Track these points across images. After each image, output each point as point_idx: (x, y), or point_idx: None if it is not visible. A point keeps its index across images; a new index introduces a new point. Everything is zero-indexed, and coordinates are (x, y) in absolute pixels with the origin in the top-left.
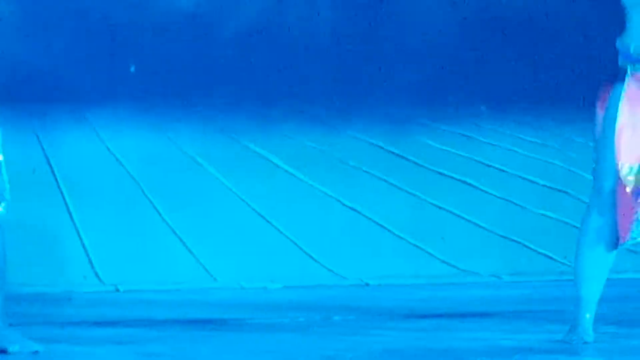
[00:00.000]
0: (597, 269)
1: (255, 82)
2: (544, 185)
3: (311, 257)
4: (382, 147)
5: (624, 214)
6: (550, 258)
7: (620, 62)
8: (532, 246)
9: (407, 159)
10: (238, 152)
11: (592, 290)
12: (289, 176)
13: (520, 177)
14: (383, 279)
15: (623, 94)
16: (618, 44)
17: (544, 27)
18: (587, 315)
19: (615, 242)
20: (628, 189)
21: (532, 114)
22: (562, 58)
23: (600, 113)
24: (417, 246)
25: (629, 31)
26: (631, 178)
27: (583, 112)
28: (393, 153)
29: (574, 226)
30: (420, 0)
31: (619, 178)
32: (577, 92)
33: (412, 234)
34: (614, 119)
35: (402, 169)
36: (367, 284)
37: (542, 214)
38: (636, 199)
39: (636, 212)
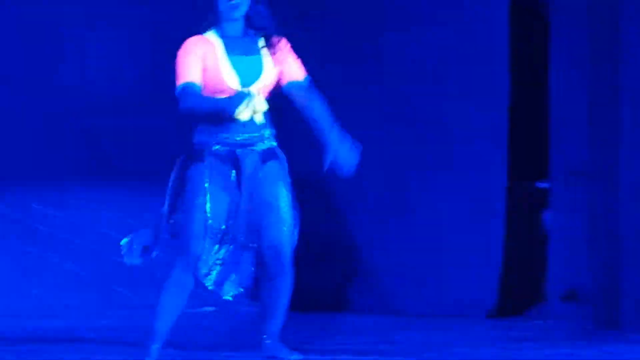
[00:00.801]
0: (175, 310)
1: None
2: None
3: None
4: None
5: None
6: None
7: (197, 146)
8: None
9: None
10: None
11: (167, 325)
12: None
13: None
14: None
15: (206, 167)
16: (197, 134)
17: None
18: (155, 346)
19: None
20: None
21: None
22: None
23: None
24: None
25: (204, 125)
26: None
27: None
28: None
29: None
30: None
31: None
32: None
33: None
34: (200, 188)
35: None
36: None
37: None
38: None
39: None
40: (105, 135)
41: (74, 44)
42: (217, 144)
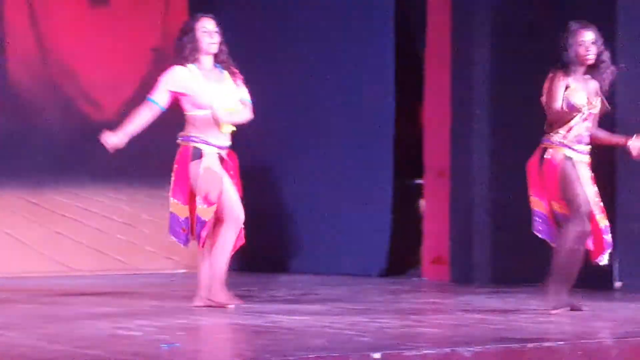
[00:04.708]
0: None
1: None
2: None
3: None
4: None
5: None
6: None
7: (196, 147)
8: None
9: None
10: None
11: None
12: None
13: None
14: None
15: (203, 163)
16: (195, 139)
17: None
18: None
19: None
20: None
21: None
22: None
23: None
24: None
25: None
26: None
27: None
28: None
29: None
30: None
31: None
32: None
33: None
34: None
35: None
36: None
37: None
38: None
39: None
40: None
41: None
42: (210, 146)
